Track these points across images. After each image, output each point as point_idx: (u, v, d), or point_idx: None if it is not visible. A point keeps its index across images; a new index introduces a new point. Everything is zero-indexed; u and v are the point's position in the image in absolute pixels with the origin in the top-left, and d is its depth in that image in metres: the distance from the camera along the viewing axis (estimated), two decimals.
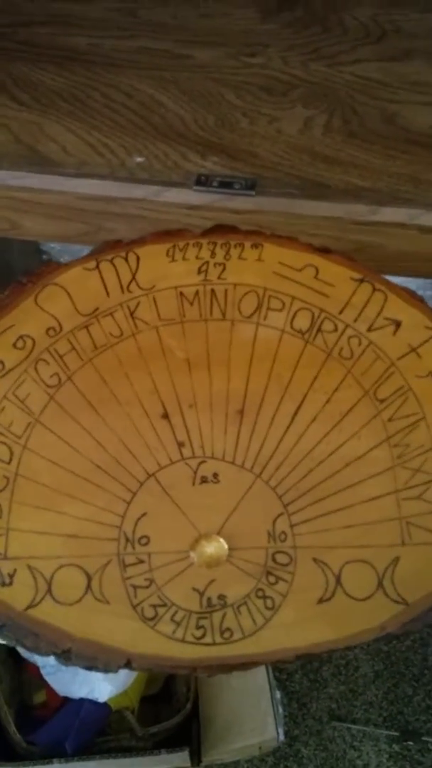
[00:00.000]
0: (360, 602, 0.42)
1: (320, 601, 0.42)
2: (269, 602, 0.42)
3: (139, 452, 0.46)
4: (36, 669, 0.78)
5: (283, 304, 0.50)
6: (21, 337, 0.49)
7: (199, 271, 0.51)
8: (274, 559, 0.43)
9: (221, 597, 0.42)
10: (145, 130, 0.61)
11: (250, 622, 0.41)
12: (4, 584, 0.42)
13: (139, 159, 0.58)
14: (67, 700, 0.76)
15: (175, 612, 0.42)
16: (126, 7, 0.72)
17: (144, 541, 0.43)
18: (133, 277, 0.51)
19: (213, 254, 0.51)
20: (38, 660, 0.75)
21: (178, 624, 0.41)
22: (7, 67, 0.65)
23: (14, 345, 0.48)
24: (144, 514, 0.44)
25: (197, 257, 0.51)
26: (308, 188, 0.58)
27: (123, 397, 0.47)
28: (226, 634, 0.41)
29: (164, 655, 0.41)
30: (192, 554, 0.43)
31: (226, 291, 0.51)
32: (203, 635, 0.41)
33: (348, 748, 0.92)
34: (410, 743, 0.92)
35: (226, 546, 0.43)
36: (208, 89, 0.65)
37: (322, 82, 0.66)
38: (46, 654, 0.41)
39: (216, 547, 0.43)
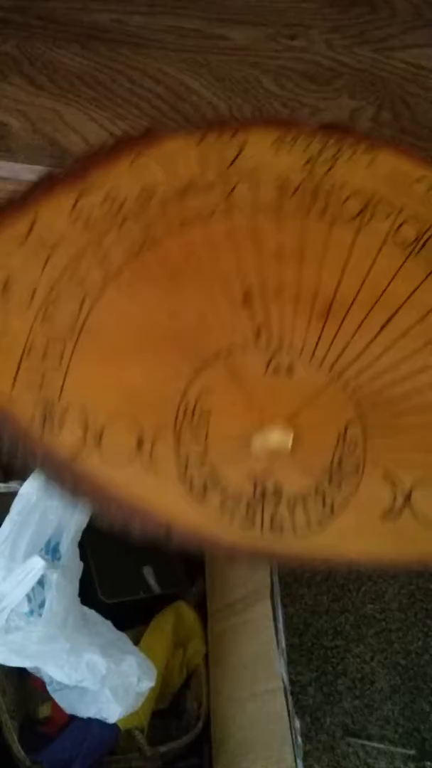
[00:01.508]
0: (428, 525, 0.40)
1: (384, 516, 0.40)
2: (328, 506, 0.40)
3: (213, 330, 0.44)
4: (41, 681, 0.74)
5: (390, 212, 0.47)
6: (112, 195, 0.46)
7: (305, 166, 0.48)
8: (340, 464, 0.42)
9: (277, 489, 0.40)
10: (175, 120, 0.56)
11: (303, 521, 0.40)
12: (53, 430, 0.40)
13: None
14: (73, 717, 0.73)
15: (226, 493, 0.40)
16: None
17: (204, 416, 0.42)
18: (236, 159, 0.48)
19: (322, 151, 0.48)
20: (44, 676, 0.72)
21: (227, 506, 0.40)
22: (23, 46, 0.59)
23: (103, 201, 0.46)
24: (208, 391, 0.42)
25: (305, 151, 0.48)
26: None
27: (205, 273, 0.45)
28: (276, 527, 0.40)
29: (207, 532, 0.39)
30: (254, 440, 0.41)
31: (330, 190, 0.47)
32: (252, 522, 0.40)
33: (362, 766, 0.89)
34: (427, 763, 0.89)
35: (291, 438, 0.41)
36: (243, 75, 0.59)
37: (369, 69, 0.60)
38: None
39: (280, 436, 0.41)
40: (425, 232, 0.46)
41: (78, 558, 0.71)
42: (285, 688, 0.68)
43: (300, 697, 0.94)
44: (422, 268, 0.46)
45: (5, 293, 0.43)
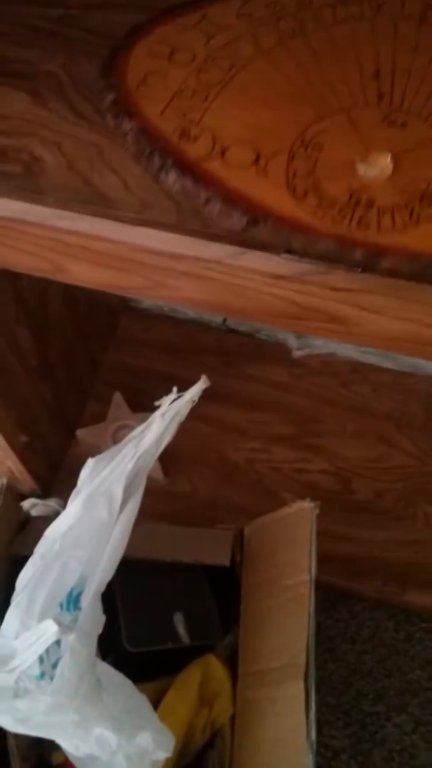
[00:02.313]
0: None
1: None
2: (414, 217, 0.46)
3: (341, 93, 0.54)
4: None
5: None
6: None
7: None
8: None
9: (370, 200, 0.47)
10: None
11: (389, 223, 0.46)
12: (188, 139, 0.50)
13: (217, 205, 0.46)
14: None
15: (324, 197, 0.47)
16: None
17: (318, 147, 0.50)
18: None
19: None
20: None
21: (323, 206, 0.47)
22: (67, 64, 0.53)
23: (268, 4, 0.61)
24: (325, 131, 0.51)
25: None
26: None
27: (344, 57, 0.56)
28: (363, 225, 0.46)
29: (303, 222, 0.46)
30: (359, 164, 0.48)
31: None
32: (342, 218, 0.46)
33: None
34: None
35: (391, 165, 0.48)
36: None
37: None
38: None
39: (382, 162, 0.48)
40: None
41: (100, 611, 0.67)
42: None
43: (332, 763, 0.87)
44: None
45: (171, 57, 0.55)
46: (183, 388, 0.62)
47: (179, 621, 0.79)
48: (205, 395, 0.62)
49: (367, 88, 0.55)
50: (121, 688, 0.66)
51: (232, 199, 0.46)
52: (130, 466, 0.66)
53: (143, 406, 1.01)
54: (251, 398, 1.07)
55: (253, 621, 0.79)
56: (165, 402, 0.65)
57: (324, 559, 0.81)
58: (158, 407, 0.64)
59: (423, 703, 0.91)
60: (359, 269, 0.44)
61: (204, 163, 0.48)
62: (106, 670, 0.65)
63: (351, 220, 0.46)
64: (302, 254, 0.45)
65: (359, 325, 0.46)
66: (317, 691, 0.75)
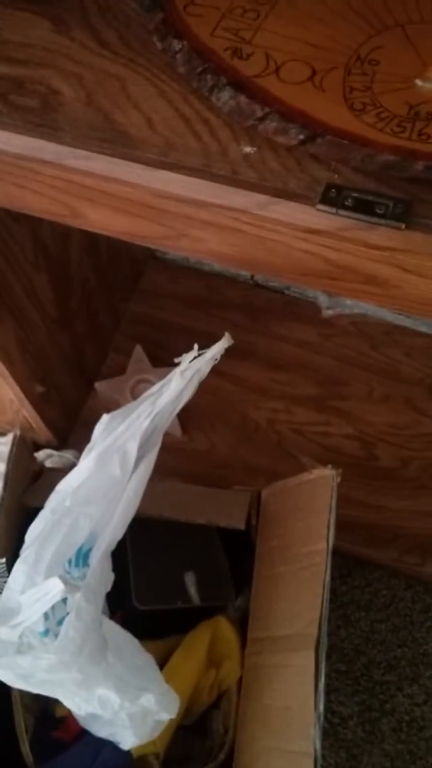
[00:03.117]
0: None
1: None
2: None
3: (394, 6, 0.52)
4: None
5: None
6: None
7: None
8: None
9: (429, 113, 0.46)
10: None
11: None
12: (240, 58, 0.48)
13: (248, 149, 0.42)
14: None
15: (382, 111, 0.46)
16: None
17: (374, 62, 0.49)
18: None
19: None
20: None
21: (382, 119, 0.46)
22: None
23: None
24: (382, 47, 0.50)
25: None
26: None
27: None
28: (424, 137, 0.45)
29: (361, 135, 0.44)
30: (417, 79, 0.47)
31: None
32: (402, 130, 0.45)
33: None
34: None
35: None
36: None
37: None
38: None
39: None
40: None
41: (109, 569, 0.65)
42: (316, 758, 0.60)
43: (339, 729, 0.86)
44: None
45: None
46: (206, 344, 0.59)
47: (190, 581, 0.78)
48: (228, 352, 0.59)
49: (421, 3, 0.53)
50: (128, 647, 0.65)
51: (288, 114, 0.45)
52: (146, 424, 0.63)
53: (165, 360, 0.98)
54: (276, 357, 1.03)
55: (266, 586, 0.77)
56: (185, 359, 0.62)
57: (343, 526, 0.79)
58: (179, 364, 0.62)
59: None
60: (403, 225, 0.40)
61: (259, 79, 0.47)
62: (112, 628, 0.64)
63: (411, 132, 0.45)
64: (360, 170, 0.43)
65: (399, 287, 0.43)
66: (327, 657, 0.74)
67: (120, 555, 0.66)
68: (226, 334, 0.61)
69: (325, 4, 0.53)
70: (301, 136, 0.43)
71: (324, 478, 0.76)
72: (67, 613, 0.59)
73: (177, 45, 0.46)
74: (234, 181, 0.41)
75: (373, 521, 0.93)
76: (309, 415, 0.99)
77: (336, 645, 0.90)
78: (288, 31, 0.50)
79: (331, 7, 0.52)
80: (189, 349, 0.60)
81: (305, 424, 0.99)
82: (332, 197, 0.42)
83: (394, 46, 0.50)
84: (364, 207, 0.42)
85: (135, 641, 0.65)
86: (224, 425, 0.98)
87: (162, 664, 0.71)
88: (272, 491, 0.82)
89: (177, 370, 0.62)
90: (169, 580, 0.77)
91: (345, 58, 0.49)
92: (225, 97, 0.44)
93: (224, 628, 0.77)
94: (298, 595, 0.73)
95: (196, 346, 0.60)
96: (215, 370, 0.60)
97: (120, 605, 0.73)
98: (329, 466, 0.76)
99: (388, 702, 0.88)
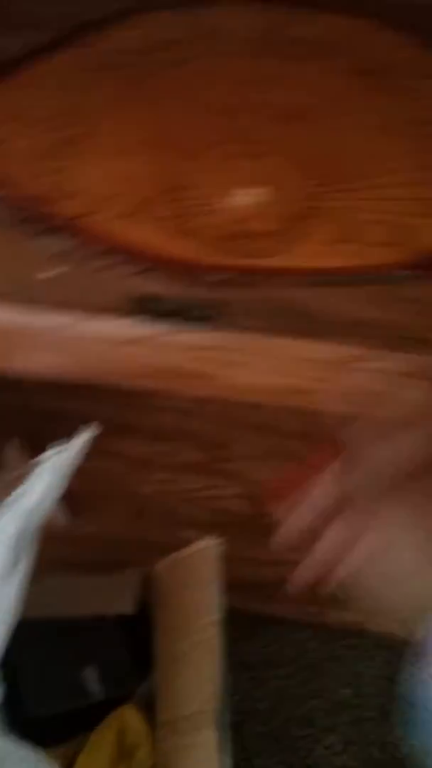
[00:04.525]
0: (374, 247, 0.50)
1: (340, 241, 0.50)
2: (293, 238, 0.50)
3: (198, 134, 0.57)
4: None
5: (337, 52, 0.63)
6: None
7: (266, 24, 0.64)
8: (302, 212, 0.52)
9: (252, 231, 0.51)
10: None
11: (273, 248, 0.50)
12: (60, 199, 0.50)
13: (43, 275, 0.44)
14: None
15: (209, 235, 0.50)
16: None
17: (190, 186, 0.52)
18: (208, 23, 0.64)
19: (278, 15, 0.65)
20: None
21: (211, 243, 0.49)
22: None
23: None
24: (194, 171, 0.53)
25: (265, 15, 0.65)
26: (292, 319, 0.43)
27: (190, 98, 0.59)
28: (253, 253, 0.49)
29: (195, 261, 0.48)
30: (232, 198, 0.52)
31: (288, 39, 0.64)
32: (232, 251, 0.49)
33: None
34: None
35: (261, 196, 0.52)
36: None
37: None
38: None
39: (253, 193, 0.52)
40: (365, 64, 0.62)
41: None
42: None
43: None
44: (364, 87, 0.61)
45: (21, 117, 0.55)
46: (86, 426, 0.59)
47: (91, 676, 0.77)
48: (107, 429, 0.60)
49: (220, 127, 0.58)
50: (26, 763, 0.63)
51: (117, 250, 0.47)
52: (12, 528, 0.63)
53: (41, 449, 0.97)
54: (156, 428, 1.04)
55: (168, 666, 0.77)
56: (47, 456, 0.62)
57: (240, 587, 0.80)
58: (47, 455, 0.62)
59: (352, 721, 0.90)
60: (209, 324, 0.42)
61: (82, 219, 0.49)
62: (6, 747, 0.62)
63: (235, 250, 0.49)
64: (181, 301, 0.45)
65: (217, 378, 0.45)
66: (244, 723, 0.74)
67: (9, 664, 0.64)
68: (91, 426, 0.62)
69: (132, 136, 0.56)
70: (130, 268, 0.46)
71: (208, 548, 0.77)
72: None
73: None
74: (51, 302, 0.42)
75: (269, 577, 0.94)
76: (196, 482, 1.00)
77: (251, 708, 0.90)
78: (104, 165, 0.53)
79: (140, 138, 0.55)
80: (64, 434, 0.61)
81: (193, 491, 1.00)
82: (146, 307, 0.44)
83: (204, 168, 0.54)
84: (178, 313, 0.44)
85: (33, 755, 0.63)
86: (112, 505, 0.97)
87: None
88: (164, 567, 0.82)
89: (42, 467, 0.63)
90: (67, 679, 0.75)
91: (159, 186, 0.52)
92: (49, 241, 0.46)
93: (131, 718, 0.76)
94: (197, 670, 0.73)
95: (56, 446, 0.60)
96: (97, 450, 0.61)
97: (18, 716, 0.71)
98: (212, 536, 0.77)
99: (308, 756, 0.88)
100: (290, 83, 0.61)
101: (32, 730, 0.66)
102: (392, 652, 0.94)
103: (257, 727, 0.90)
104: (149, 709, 0.76)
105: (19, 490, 0.64)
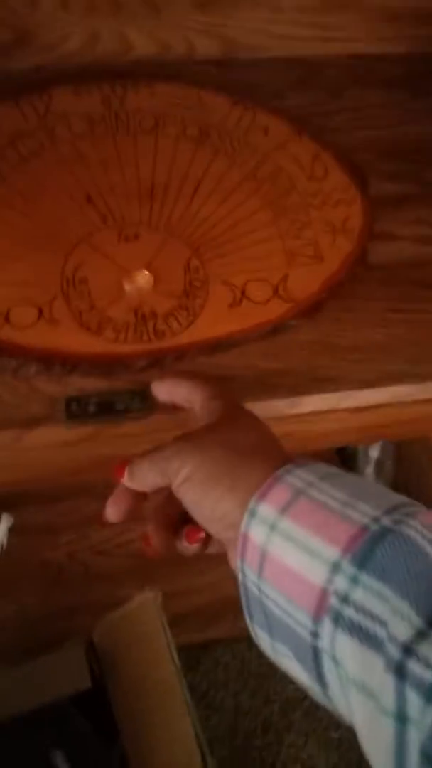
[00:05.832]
0: (261, 305, 0.56)
1: (231, 307, 0.56)
2: (191, 312, 0.55)
3: (70, 225, 0.60)
4: None
5: (176, 120, 0.70)
6: None
7: (103, 102, 0.71)
8: (191, 285, 0.57)
9: (153, 312, 0.54)
10: None
11: (177, 325, 0.54)
12: None
13: None
14: None
15: (116, 325, 0.53)
16: None
17: (84, 281, 0.55)
18: (48, 109, 0.69)
19: (113, 91, 0.72)
20: None
21: (120, 332, 0.53)
22: None
23: None
24: (81, 264, 0.57)
25: (100, 93, 0.71)
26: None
27: (52, 190, 0.62)
28: (160, 334, 0.53)
29: (111, 353, 0.51)
30: (126, 285, 0.55)
31: (127, 114, 0.70)
32: (141, 336, 0.53)
33: None
34: None
35: (151, 277, 0.55)
36: None
37: None
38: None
39: (143, 278, 0.55)
40: (204, 128, 0.69)
41: None
42: None
43: None
44: (209, 151, 0.67)
45: None
46: None
47: (59, 759, 0.75)
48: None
49: (89, 214, 0.60)
50: None
51: (37, 357, 0.48)
52: None
53: None
54: (49, 489, 1.03)
55: (135, 728, 0.77)
56: None
57: (174, 621, 0.81)
58: None
59: (305, 714, 0.96)
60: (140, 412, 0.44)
61: None
62: None
63: (147, 333, 0.53)
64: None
65: None
66: (211, 752, 0.76)
67: None
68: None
69: (10, 239, 0.57)
70: (59, 372, 0.47)
71: (147, 601, 0.78)
72: None
73: None
74: None
75: (197, 605, 0.97)
76: (104, 532, 1.00)
77: (213, 735, 0.93)
78: None
79: (19, 241, 0.57)
80: None
81: (105, 542, 0.99)
82: (75, 409, 0.45)
83: (90, 260, 0.56)
84: (106, 408, 0.45)
85: None
86: (27, 580, 0.95)
87: None
88: (102, 631, 0.81)
89: None
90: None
91: (57, 285, 0.54)
92: None
93: None
94: (166, 725, 0.74)
95: None
96: None
97: None
98: (135, 582, 0.77)
99: (276, 761, 0.93)
100: (144, 158, 0.65)
101: None
102: None
103: (222, 751, 0.93)
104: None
105: None
